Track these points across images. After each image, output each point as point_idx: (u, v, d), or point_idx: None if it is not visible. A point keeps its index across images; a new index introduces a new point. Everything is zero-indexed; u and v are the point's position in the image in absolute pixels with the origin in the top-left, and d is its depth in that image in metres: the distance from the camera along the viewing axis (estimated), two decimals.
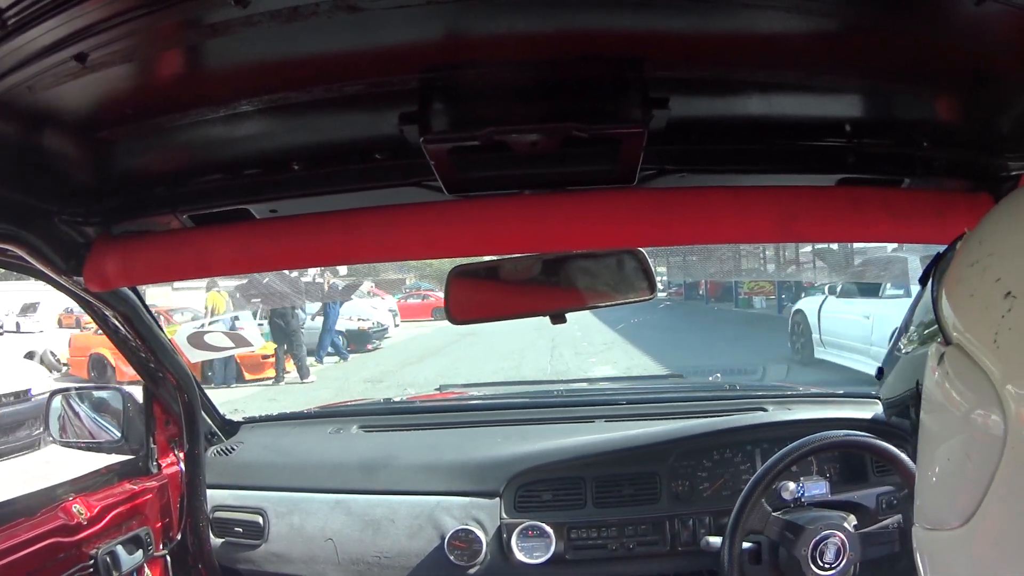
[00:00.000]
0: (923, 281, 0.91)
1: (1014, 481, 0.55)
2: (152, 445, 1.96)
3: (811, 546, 1.80)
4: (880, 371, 2.29)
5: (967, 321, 0.60)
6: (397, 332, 18.56)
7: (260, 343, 11.10)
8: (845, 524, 1.84)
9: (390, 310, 19.13)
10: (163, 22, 0.78)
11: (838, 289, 9.98)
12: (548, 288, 1.57)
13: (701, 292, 26.83)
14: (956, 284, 0.63)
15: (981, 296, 0.58)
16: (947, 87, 1.05)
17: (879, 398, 2.28)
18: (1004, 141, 1.14)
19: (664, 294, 32.02)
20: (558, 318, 1.56)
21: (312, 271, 11.72)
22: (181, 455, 2.01)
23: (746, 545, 1.85)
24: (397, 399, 3.07)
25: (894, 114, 1.17)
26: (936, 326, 0.89)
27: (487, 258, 1.57)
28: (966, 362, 0.58)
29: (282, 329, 11.27)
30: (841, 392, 2.46)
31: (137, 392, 2.01)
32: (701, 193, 1.20)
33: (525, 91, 1.03)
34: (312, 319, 13.27)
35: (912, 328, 2.14)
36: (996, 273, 0.58)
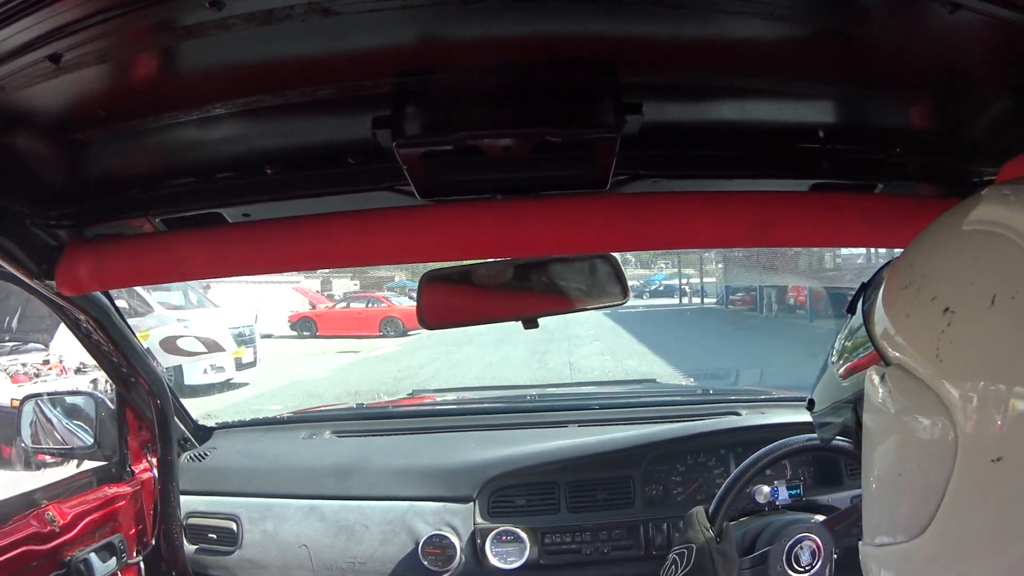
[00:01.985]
0: (850, 310, 0.94)
1: (967, 488, 0.58)
2: (125, 451, 1.95)
3: (784, 558, 1.80)
4: (811, 402, 2.30)
5: (907, 339, 0.63)
6: (254, 375, 11.59)
7: (233, 347, 10.96)
8: (814, 523, 1.85)
9: (234, 329, 11.33)
10: (138, 23, 0.78)
11: None
12: (520, 293, 1.57)
13: (791, 301, 19.52)
14: (890, 306, 0.66)
15: (919, 315, 0.62)
16: (920, 94, 1.06)
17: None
18: (975, 147, 1.14)
19: (712, 301, 24.92)
20: (531, 323, 1.56)
21: None
22: (154, 461, 1.99)
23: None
24: (370, 404, 3.06)
25: (868, 120, 1.18)
26: (856, 346, 0.90)
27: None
28: (908, 379, 0.62)
29: None
30: None
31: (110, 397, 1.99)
32: (675, 198, 1.21)
33: (498, 96, 1.03)
34: None
35: (835, 352, 2.16)
36: (932, 292, 0.62)
